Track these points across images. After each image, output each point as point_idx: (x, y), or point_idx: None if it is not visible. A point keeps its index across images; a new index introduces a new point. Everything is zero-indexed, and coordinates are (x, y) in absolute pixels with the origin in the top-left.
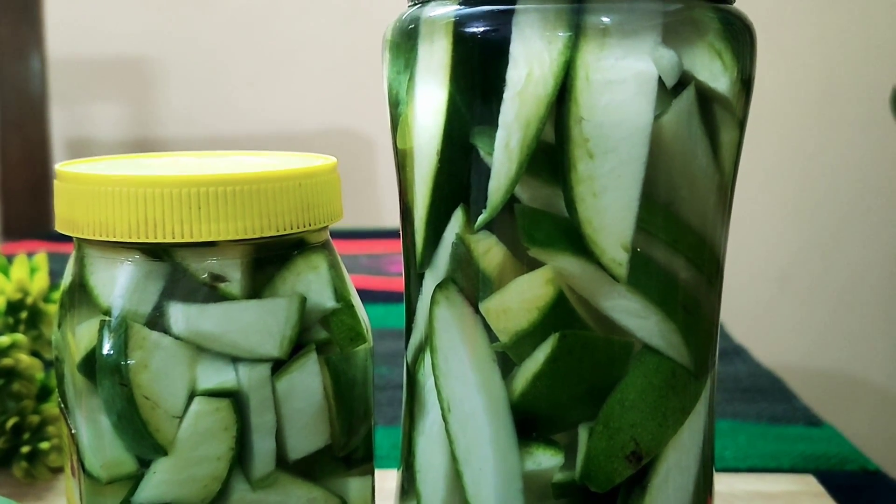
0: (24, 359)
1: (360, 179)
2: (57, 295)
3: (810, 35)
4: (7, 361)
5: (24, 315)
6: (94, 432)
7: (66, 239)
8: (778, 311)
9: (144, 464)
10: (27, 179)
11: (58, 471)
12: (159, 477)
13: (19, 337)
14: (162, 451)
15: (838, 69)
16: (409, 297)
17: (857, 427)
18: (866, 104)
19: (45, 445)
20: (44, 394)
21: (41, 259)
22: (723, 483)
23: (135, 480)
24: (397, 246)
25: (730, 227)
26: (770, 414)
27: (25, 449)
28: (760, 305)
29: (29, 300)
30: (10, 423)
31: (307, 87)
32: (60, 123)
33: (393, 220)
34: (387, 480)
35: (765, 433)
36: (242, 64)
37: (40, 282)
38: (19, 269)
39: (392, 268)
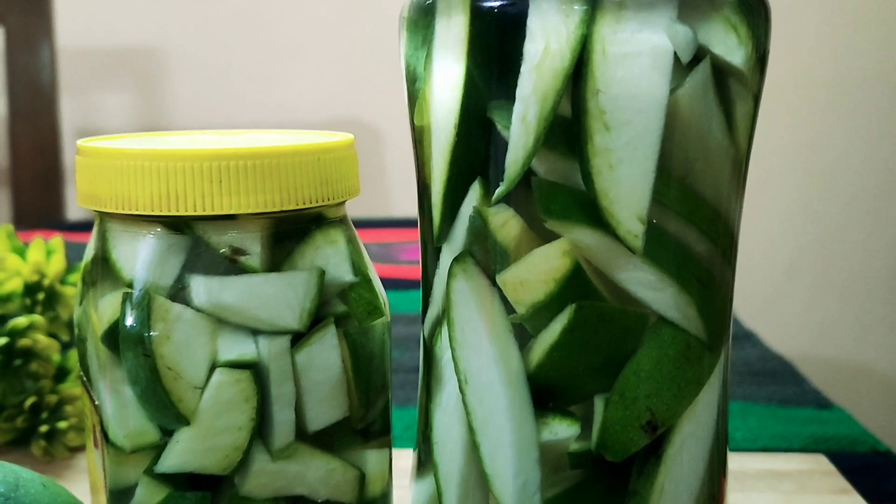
0: (42, 339)
1: (369, 170)
2: (73, 277)
3: (819, 23)
4: (25, 342)
5: (41, 296)
6: (117, 403)
7: (78, 229)
8: (787, 301)
9: (167, 433)
10: (38, 169)
11: (76, 450)
12: (182, 446)
13: (37, 318)
14: (184, 420)
15: (847, 59)
16: (426, 273)
17: (865, 412)
18: (876, 94)
19: (62, 424)
20: (61, 374)
21: (57, 242)
22: (735, 462)
23: (158, 450)
24: (407, 235)
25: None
26: (780, 396)
27: (44, 428)
28: (769, 295)
29: (46, 282)
30: (29, 402)
31: (316, 78)
32: (70, 114)
33: (403, 210)
34: (402, 459)
35: (775, 415)
36: (251, 55)
37: (57, 264)
38: (36, 252)
39: (402, 256)
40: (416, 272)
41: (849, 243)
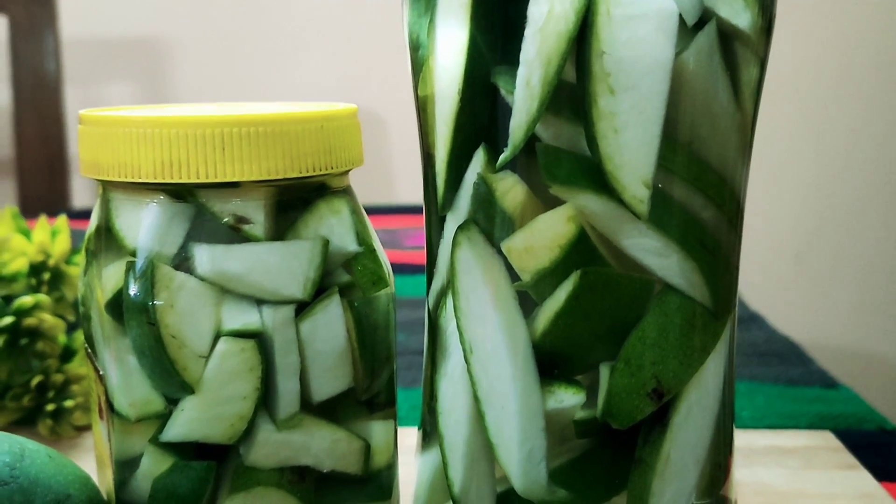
0: (48, 318)
1: (374, 157)
2: (78, 258)
3: (828, 9)
4: (30, 321)
5: (46, 276)
6: (122, 372)
7: (83, 217)
8: (794, 289)
9: (172, 402)
10: (43, 158)
11: (82, 429)
12: (187, 415)
13: (42, 297)
14: (189, 389)
15: (856, 46)
16: (431, 243)
17: (872, 397)
18: (886, 80)
19: (69, 403)
20: (67, 355)
21: (62, 222)
22: (741, 439)
23: (163, 419)
24: (411, 221)
25: (746, 203)
26: (787, 377)
27: (50, 407)
28: (777, 283)
29: (51, 262)
30: (35, 381)
31: (319, 66)
32: (75, 103)
33: (406, 197)
34: (408, 437)
35: (782, 394)
36: (254, 43)
37: (62, 244)
38: (41, 232)
39: (407, 241)
40: (421, 257)
41: (856, 230)
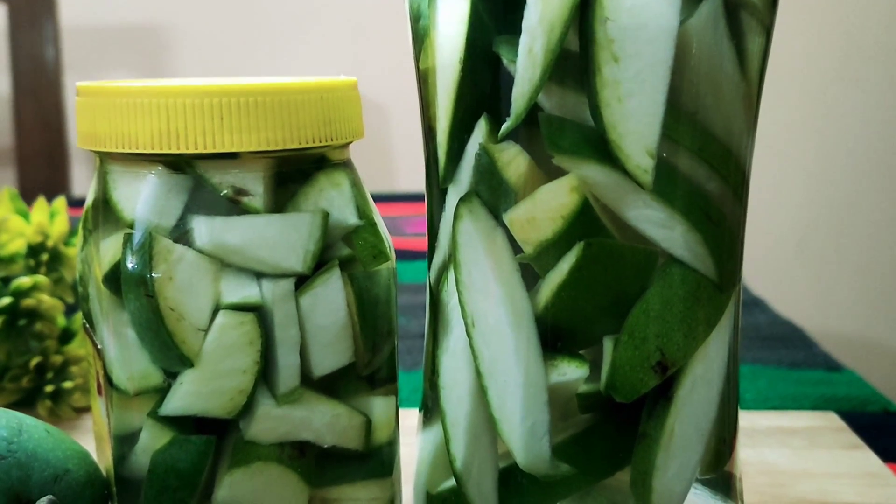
0: (46, 299)
1: (374, 146)
2: (77, 239)
3: None
4: (29, 302)
5: (44, 258)
6: (120, 346)
7: (80, 205)
8: (796, 276)
9: (171, 376)
10: (42, 146)
11: (81, 410)
12: (186, 388)
13: (40, 278)
14: (188, 362)
15: (858, 32)
16: (432, 218)
17: (875, 382)
18: (888, 67)
19: (68, 385)
20: (66, 336)
21: (61, 203)
22: (744, 419)
23: (161, 393)
24: (413, 209)
25: (749, 182)
26: (790, 360)
27: (49, 388)
28: (779, 270)
29: (49, 243)
30: (34, 362)
31: (319, 55)
32: (74, 91)
33: (407, 185)
34: (408, 419)
35: (785, 377)
36: (254, 32)
37: (60, 225)
38: (39, 213)
39: (408, 228)
40: (422, 244)
41: (858, 218)
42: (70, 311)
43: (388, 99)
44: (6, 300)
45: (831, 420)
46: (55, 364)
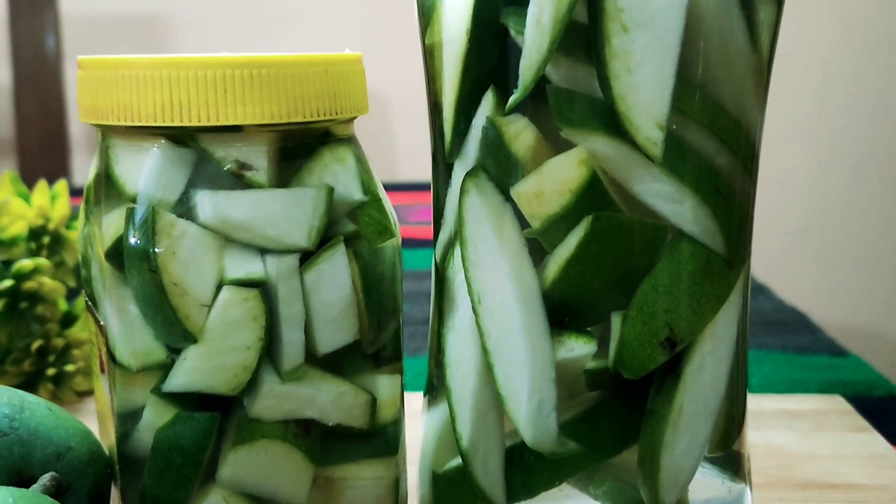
0: (48, 282)
1: (376, 136)
2: (79, 216)
3: None
4: (30, 285)
5: (46, 240)
6: (123, 321)
7: (81, 194)
8: (800, 264)
9: (174, 352)
10: (43, 136)
11: (83, 394)
12: (189, 364)
13: (42, 261)
14: (192, 338)
15: (858, 21)
16: (437, 195)
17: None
18: (889, 56)
19: (70, 368)
20: (68, 320)
21: (62, 186)
22: (750, 403)
23: (165, 370)
24: (414, 198)
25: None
26: (795, 345)
27: (51, 371)
28: (783, 258)
29: (51, 226)
30: (35, 345)
31: (320, 46)
32: (75, 80)
33: (409, 175)
34: (412, 402)
35: (790, 362)
36: (255, 22)
37: (61, 208)
38: (40, 196)
39: (411, 217)
40: (424, 232)
41: (862, 206)
42: (71, 295)
43: (388, 88)
44: (7, 283)
45: (837, 403)
46: (57, 347)
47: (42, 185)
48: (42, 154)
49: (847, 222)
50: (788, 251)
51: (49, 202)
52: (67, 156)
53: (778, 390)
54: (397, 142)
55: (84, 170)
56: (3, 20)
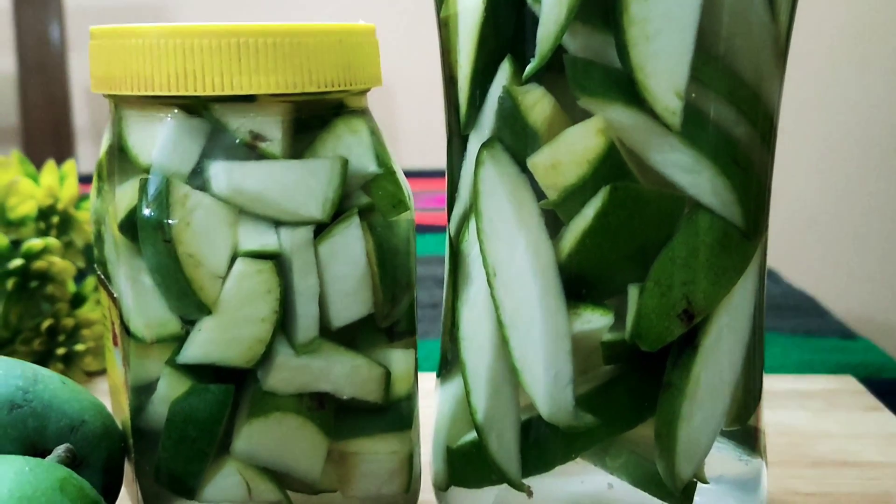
0: (57, 262)
1: (381, 125)
2: (87, 203)
3: None
4: (40, 264)
5: (55, 220)
6: (137, 293)
7: (86, 182)
8: (808, 253)
9: (188, 323)
10: (47, 125)
11: (93, 374)
12: (204, 336)
13: (51, 241)
14: (206, 309)
15: (867, 9)
16: (452, 169)
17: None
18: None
19: (80, 347)
20: (78, 301)
21: (70, 167)
22: None
23: (179, 342)
24: (421, 185)
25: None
26: (805, 328)
27: (61, 351)
28: (790, 247)
29: (60, 206)
30: (45, 325)
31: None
32: (79, 69)
33: (413, 162)
34: (424, 382)
35: (800, 345)
36: (259, 11)
37: (70, 188)
38: (49, 176)
39: (417, 204)
40: (431, 218)
41: (870, 196)
42: (81, 276)
43: (393, 79)
44: (17, 262)
45: (849, 383)
46: (67, 327)
47: (50, 165)
48: (47, 143)
49: (855, 211)
50: (796, 236)
51: (58, 182)
52: (72, 145)
53: (787, 373)
54: (399, 128)
55: (89, 159)
56: (8, 9)
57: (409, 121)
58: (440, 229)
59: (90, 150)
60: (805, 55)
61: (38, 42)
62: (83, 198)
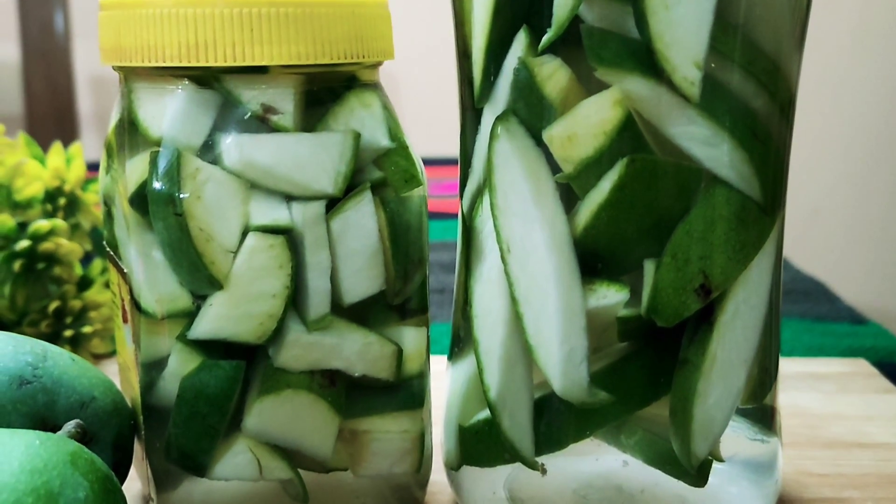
0: (64, 243)
1: None
2: (94, 186)
3: None
4: (47, 246)
5: (62, 202)
6: (147, 268)
7: (94, 169)
8: (812, 244)
9: (199, 298)
10: (51, 113)
11: (100, 357)
12: (215, 311)
13: (58, 222)
14: (217, 284)
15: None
16: (465, 144)
17: None
18: None
19: (87, 329)
20: (85, 284)
21: (77, 149)
22: None
23: (190, 317)
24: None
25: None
26: (815, 313)
27: (68, 333)
28: (794, 237)
29: (67, 188)
30: (53, 306)
31: None
32: (84, 57)
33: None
34: (433, 364)
35: (810, 329)
36: None
37: (77, 170)
38: (55, 158)
39: None
40: (436, 205)
41: (874, 187)
42: (87, 259)
43: (398, 67)
44: (24, 244)
45: (862, 366)
46: (74, 309)
47: (57, 147)
48: (51, 131)
49: (865, 197)
50: (799, 231)
51: (64, 164)
52: (76, 133)
53: (798, 357)
54: (406, 119)
55: (93, 147)
56: None
57: (412, 108)
58: (445, 216)
59: (94, 139)
60: (818, 38)
61: (42, 30)
62: (90, 180)
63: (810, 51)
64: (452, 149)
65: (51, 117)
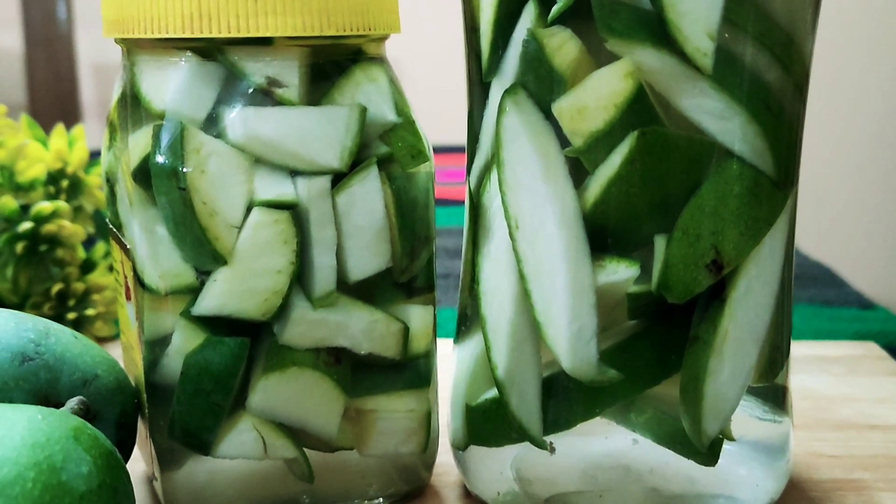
0: (67, 226)
1: None
2: (97, 168)
3: None
4: (49, 228)
5: (64, 184)
6: (151, 243)
7: (96, 156)
8: (822, 225)
9: (204, 274)
10: (54, 102)
11: (103, 340)
12: (219, 287)
13: (61, 204)
14: (221, 260)
15: None
16: (472, 119)
17: None
18: None
19: (90, 312)
20: (88, 267)
21: (79, 131)
22: None
23: (194, 293)
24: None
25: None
26: (822, 297)
27: (71, 315)
28: (804, 219)
29: (69, 170)
30: (56, 289)
31: None
32: (87, 47)
33: None
34: (440, 347)
35: (818, 314)
36: None
37: (80, 152)
38: (58, 140)
39: None
40: (444, 193)
41: (876, 181)
42: (90, 242)
43: (402, 56)
44: (27, 225)
45: (871, 349)
46: (77, 292)
47: (60, 128)
48: (54, 119)
49: (872, 182)
50: (811, 210)
51: (67, 146)
52: (79, 121)
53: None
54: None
55: (96, 135)
56: None
57: (421, 96)
58: (449, 202)
59: (97, 126)
60: (830, 16)
61: (45, 18)
62: (93, 163)
63: (821, 30)
64: (456, 136)
65: (54, 105)
